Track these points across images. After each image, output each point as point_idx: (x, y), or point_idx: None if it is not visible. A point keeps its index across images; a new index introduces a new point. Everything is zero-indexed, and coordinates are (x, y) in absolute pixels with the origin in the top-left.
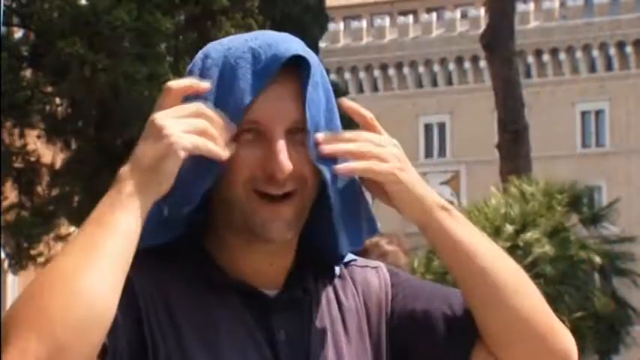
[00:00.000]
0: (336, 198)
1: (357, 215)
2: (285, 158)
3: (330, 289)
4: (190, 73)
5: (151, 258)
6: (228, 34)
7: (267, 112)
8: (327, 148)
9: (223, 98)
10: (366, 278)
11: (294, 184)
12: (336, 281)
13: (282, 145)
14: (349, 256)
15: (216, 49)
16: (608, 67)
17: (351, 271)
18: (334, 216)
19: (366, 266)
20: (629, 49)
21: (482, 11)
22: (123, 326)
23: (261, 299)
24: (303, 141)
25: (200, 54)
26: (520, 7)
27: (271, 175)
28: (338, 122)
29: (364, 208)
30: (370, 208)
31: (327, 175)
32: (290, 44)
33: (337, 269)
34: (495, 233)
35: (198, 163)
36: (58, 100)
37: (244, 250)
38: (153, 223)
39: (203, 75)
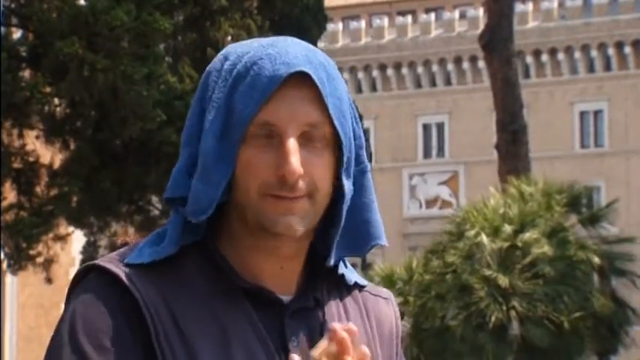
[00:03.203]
0: (347, 209)
1: (363, 224)
2: (295, 160)
3: (340, 305)
4: (209, 74)
5: (152, 272)
6: (226, 34)
7: (280, 113)
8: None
9: (237, 101)
10: (379, 308)
11: (307, 188)
12: (347, 300)
13: (293, 146)
14: (362, 281)
15: (235, 51)
16: (607, 67)
17: (364, 297)
18: (340, 226)
19: (378, 296)
20: (627, 49)
21: (480, 11)
22: (135, 350)
23: (276, 304)
24: (318, 146)
25: (220, 55)
26: (519, 7)
27: (282, 178)
28: (350, 125)
29: (373, 217)
30: (379, 218)
31: (347, 188)
32: (306, 54)
33: (348, 282)
34: (494, 233)
35: (208, 175)
36: (56, 101)
37: (257, 250)
38: (178, 226)
39: (220, 76)
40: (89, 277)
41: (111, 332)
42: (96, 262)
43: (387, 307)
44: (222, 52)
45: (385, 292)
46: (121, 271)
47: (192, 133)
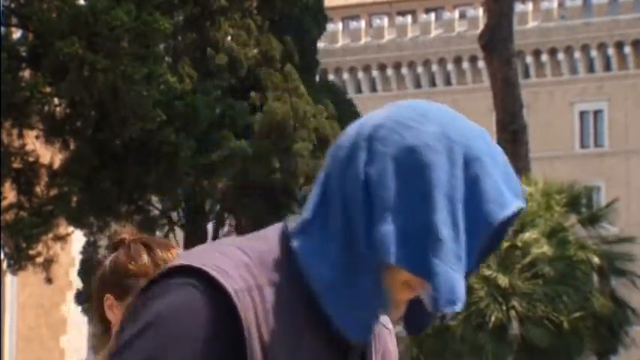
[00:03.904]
0: None
1: None
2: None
3: None
4: (429, 150)
5: (249, 296)
6: (226, 34)
7: None
8: None
9: (483, 203)
10: (385, 339)
11: None
12: None
13: None
14: None
15: (467, 145)
16: (607, 67)
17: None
18: None
19: (385, 326)
20: (627, 49)
21: (480, 11)
22: None
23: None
24: None
25: (441, 136)
26: (519, 7)
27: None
28: None
29: None
30: None
31: None
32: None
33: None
34: None
35: (460, 264)
36: (56, 101)
37: None
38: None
39: (451, 163)
40: (186, 280)
41: (196, 352)
42: (209, 272)
43: (390, 339)
44: (442, 133)
45: (389, 322)
46: (230, 288)
47: (392, 206)
